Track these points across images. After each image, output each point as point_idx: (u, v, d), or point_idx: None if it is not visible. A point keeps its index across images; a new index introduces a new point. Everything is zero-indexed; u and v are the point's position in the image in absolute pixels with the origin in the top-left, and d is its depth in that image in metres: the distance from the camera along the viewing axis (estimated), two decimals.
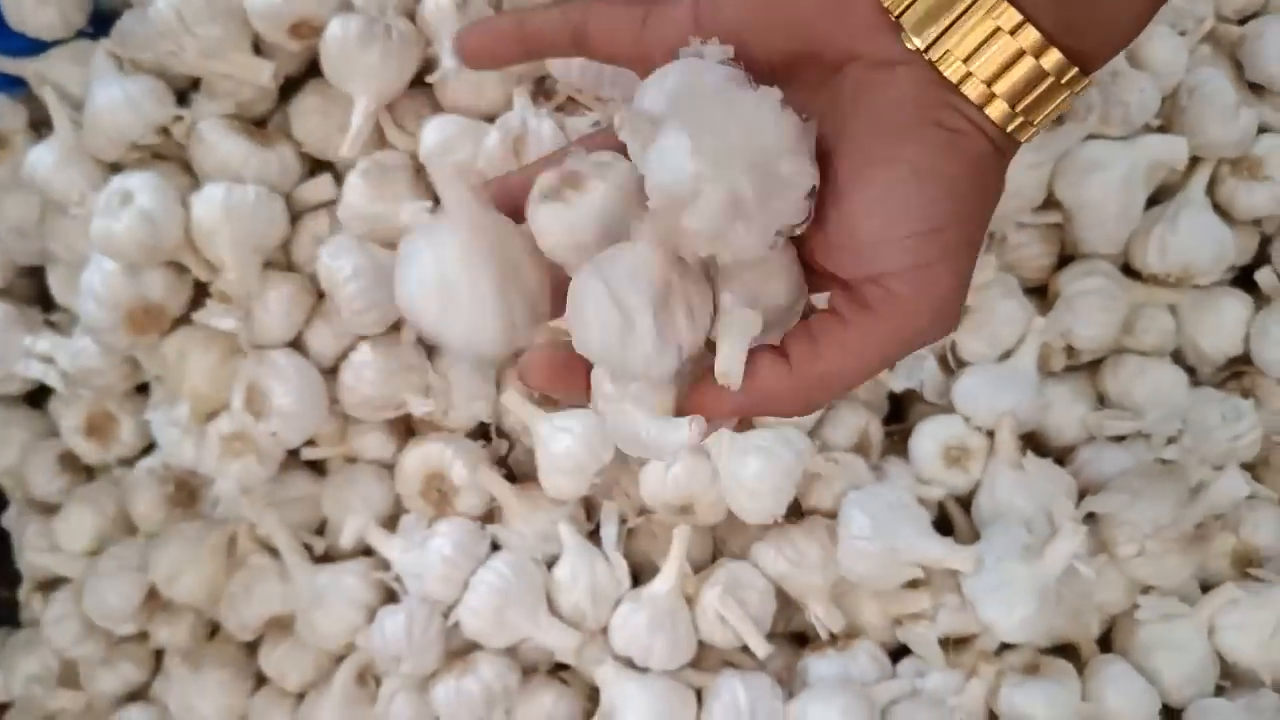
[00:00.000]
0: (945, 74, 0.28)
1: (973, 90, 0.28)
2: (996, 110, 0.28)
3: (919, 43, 0.28)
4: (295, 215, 0.61)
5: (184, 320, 0.61)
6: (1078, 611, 0.61)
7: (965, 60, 0.28)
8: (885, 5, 0.28)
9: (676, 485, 0.60)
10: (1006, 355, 0.62)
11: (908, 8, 0.28)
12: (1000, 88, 0.28)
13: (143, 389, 0.66)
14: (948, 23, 0.28)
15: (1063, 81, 0.28)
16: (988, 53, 0.27)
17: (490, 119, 0.58)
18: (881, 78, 0.29)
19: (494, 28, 0.34)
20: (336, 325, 0.60)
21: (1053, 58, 0.28)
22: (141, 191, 0.56)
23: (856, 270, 0.29)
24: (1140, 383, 0.62)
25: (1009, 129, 0.28)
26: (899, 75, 0.28)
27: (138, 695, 0.67)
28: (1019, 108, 0.28)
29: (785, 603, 0.62)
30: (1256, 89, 0.64)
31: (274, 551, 0.63)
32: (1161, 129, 0.62)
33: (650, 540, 0.64)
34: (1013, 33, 0.27)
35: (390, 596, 0.62)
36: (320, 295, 0.61)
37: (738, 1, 0.30)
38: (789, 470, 0.59)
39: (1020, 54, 0.27)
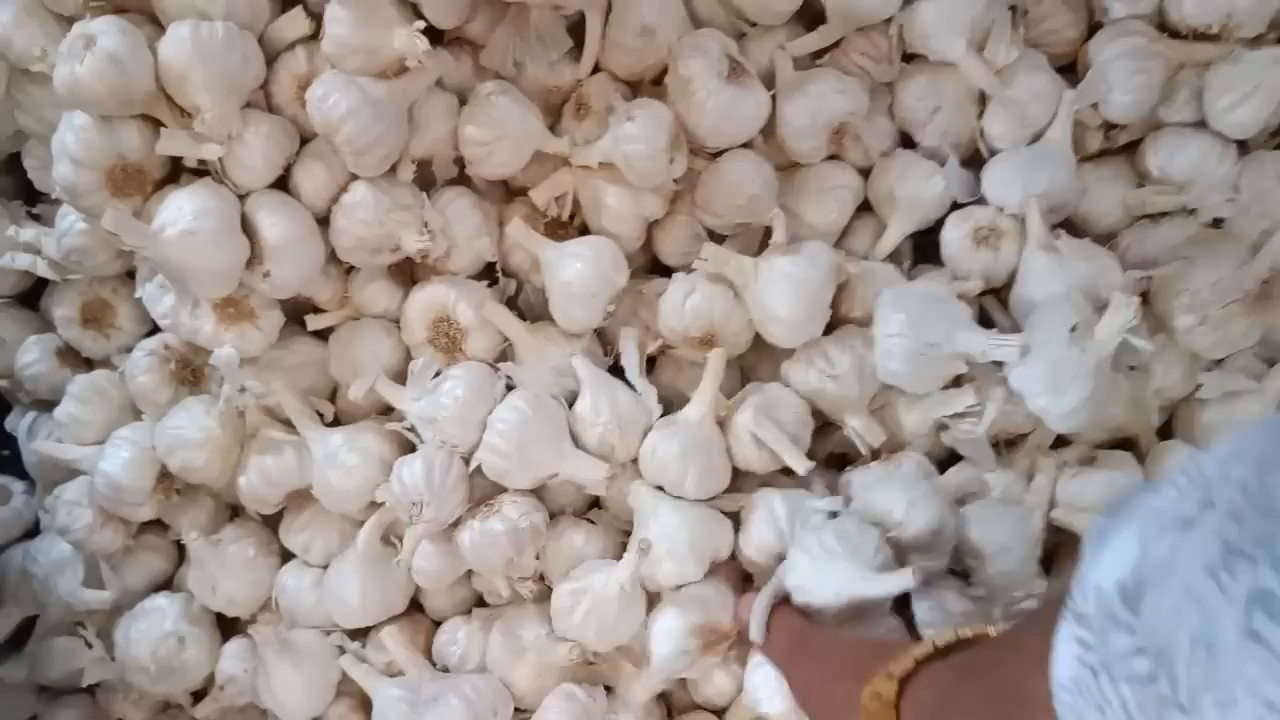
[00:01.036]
0: None
1: None
2: None
3: None
4: (270, 57, 0.58)
5: (165, 183, 0.58)
6: (1135, 403, 0.57)
7: None
8: None
9: (696, 315, 0.56)
10: (1038, 138, 0.58)
11: None
12: None
13: (135, 276, 0.64)
14: None
15: None
16: None
17: None
18: None
19: None
20: (329, 162, 0.56)
21: None
22: (104, 34, 0.53)
23: None
24: (1183, 155, 0.58)
25: None
26: None
27: (163, 587, 0.65)
28: None
29: (821, 429, 0.59)
30: None
31: (286, 423, 0.61)
32: None
33: (675, 373, 0.61)
34: None
35: (409, 451, 0.59)
36: (304, 140, 0.58)
37: None
38: (820, 288, 0.55)
39: None
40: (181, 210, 0.54)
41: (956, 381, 0.56)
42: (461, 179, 0.61)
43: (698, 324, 0.57)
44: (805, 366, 0.57)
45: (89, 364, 0.65)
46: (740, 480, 0.58)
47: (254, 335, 0.58)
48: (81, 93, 0.53)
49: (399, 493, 0.56)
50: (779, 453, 0.56)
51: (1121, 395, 0.56)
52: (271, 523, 0.63)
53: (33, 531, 0.69)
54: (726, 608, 0.54)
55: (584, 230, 0.61)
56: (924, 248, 0.62)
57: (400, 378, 0.60)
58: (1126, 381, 0.56)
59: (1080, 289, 0.54)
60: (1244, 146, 0.60)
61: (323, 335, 0.62)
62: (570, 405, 0.58)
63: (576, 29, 0.59)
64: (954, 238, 0.57)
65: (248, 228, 0.56)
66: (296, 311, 0.61)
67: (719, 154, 0.58)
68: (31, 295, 0.66)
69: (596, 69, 0.59)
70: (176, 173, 0.58)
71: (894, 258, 0.61)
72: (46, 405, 0.65)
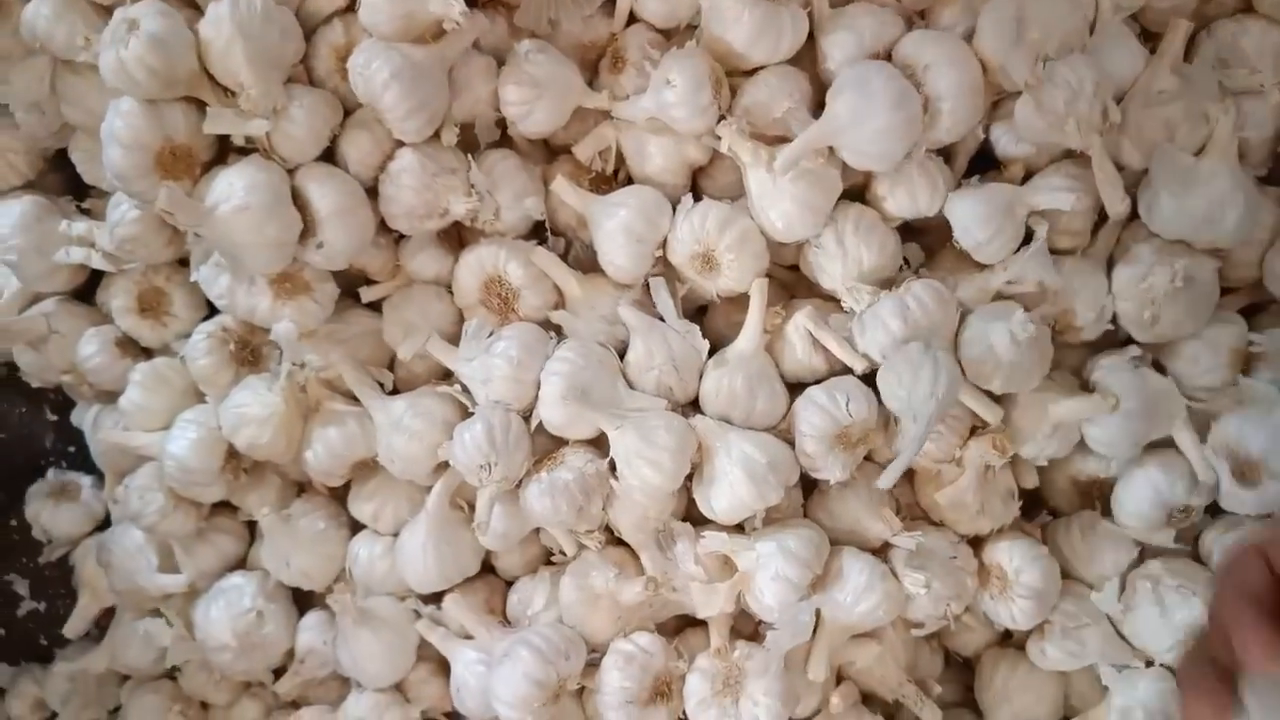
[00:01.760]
0: None
1: None
2: None
3: None
4: (309, 31, 0.58)
5: (213, 164, 0.59)
6: None
7: None
8: None
9: (692, 230, 0.56)
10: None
11: None
12: None
13: (187, 263, 0.64)
14: None
15: None
16: None
17: None
18: None
19: None
20: (374, 131, 0.57)
21: None
22: (147, 16, 0.54)
23: None
24: (1247, 39, 0.56)
25: None
26: None
27: (237, 569, 0.66)
28: None
29: None
30: None
31: (348, 395, 0.61)
32: None
33: (725, 324, 0.61)
34: None
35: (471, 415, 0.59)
36: (348, 112, 0.58)
37: None
38: (830, 188, 0.55)
39: None
40: (233, 186, 0.55)
41: None
42: (504, 141, 0.61)
43: (693, 238, 0.57)
44: None
45: (148, 353, 0.66)
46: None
47: (311, 308, 0.59)
48: (129, 76, 0.53)
49: (463, 458, 0.56)
50: (838, 352, 0.56)
51: None
52: (339, 495, 0.64)
53: (103, 525, 0.70)
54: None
55: (629, 183, 0.61)
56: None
57: (455, 341, 0.60)
58: None
59: None
60: None
61: (377, 307, 0.63)
62: (622, 355, 0.59)
63: None
64: None
65: (298, 201, 0.56)
66: (350, 285, 0.62)
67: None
68: (87, 290, 0.67)
69: (632, 20, 0.60)
70: (224, 153, 0.59)
71: None
72: (110, 397, 0.66)
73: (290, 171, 0.57)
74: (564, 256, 0.62)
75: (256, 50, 0.54)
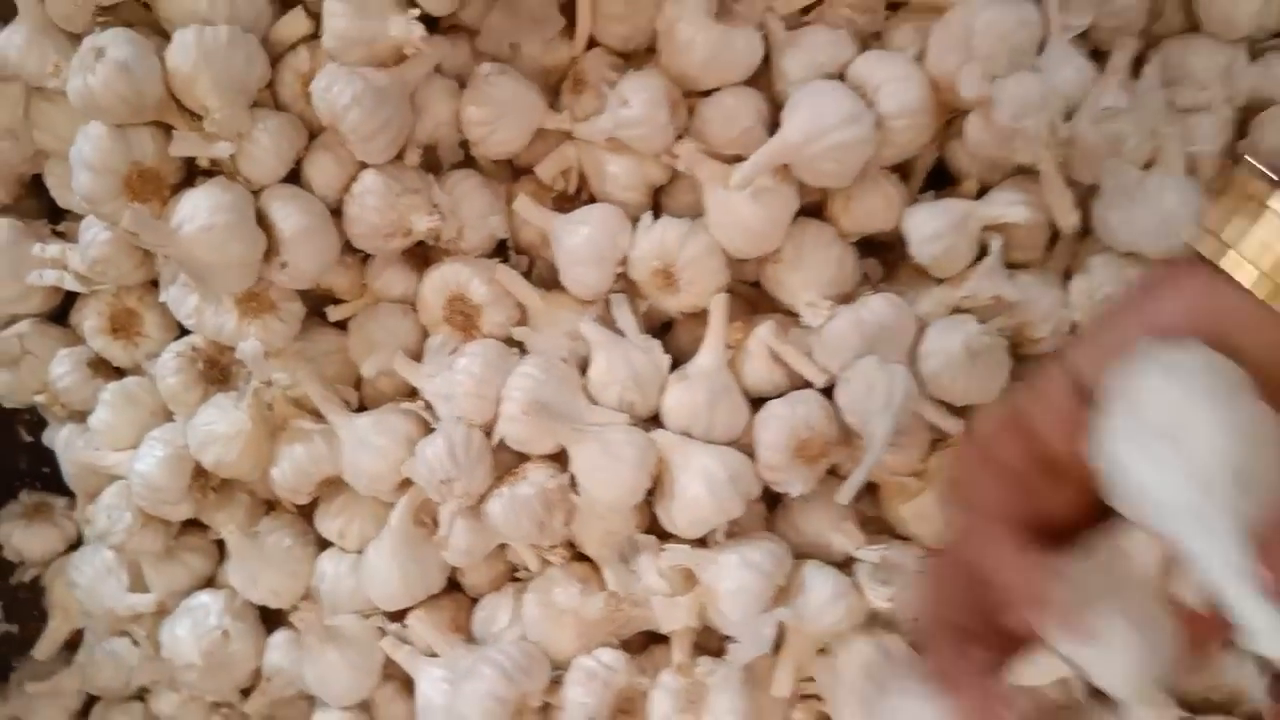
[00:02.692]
0: None
1: None
2: None
3: None
4: (275, 58, 0.59)
5: (181, 187, 0.60)
6: None
7: None
8: None
9: (650, 246, 0.57)
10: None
11: None
12: None
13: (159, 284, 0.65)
14: None
15: None
16: None
17: None
18: None
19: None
20: (337, 153, 0.58)
21: None
22: (113, 44, 0.55)
23: None
24: (1195, 57, 0.58)
25: None
26: None
27: (206, 588, 0.66)
28: None
29: None
30: None
31: (315, 414, 0.62)
32: None
33: (688, 339, 0.62)
34: None
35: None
36: (313, 135, 0.60)
37: None
38: (786, 205, 0.56)
39: None
40: (198, 207, 0.56)
41: None
42: (468, 162, 0.62)
43: (653, 254, 0.57)
44: None
45: (120, 373, 0.67)
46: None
47: (277, 326, 0.59)
48: (96, 102, 0.54)
49: (425, 473, 0.57)
50: (797, 367, 0.57)
51: None
52: (307, 512, 0.65)
53: (76, 545, 0.71)
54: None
55: (591, 201, 0.62)
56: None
57: (420, 359, 0.61)
58: None
59: None
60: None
61: (344, 325, 0.63)
62: (584, 371, 0.59)
63: (568, 8, 0.60)
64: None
65: (263, 222, 0.57)
66: (317, 304, 0.63)
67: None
68: (61, 311, 0.68)
69: (592, 44, 0.61)
70: (191, 176, 0.60)
71: None
72: (81, 417, 0.66)
73: (255, 193, 0.58)
74: (527, 274, 0.62)
75: (221, 76, 0.56)
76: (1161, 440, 0.24)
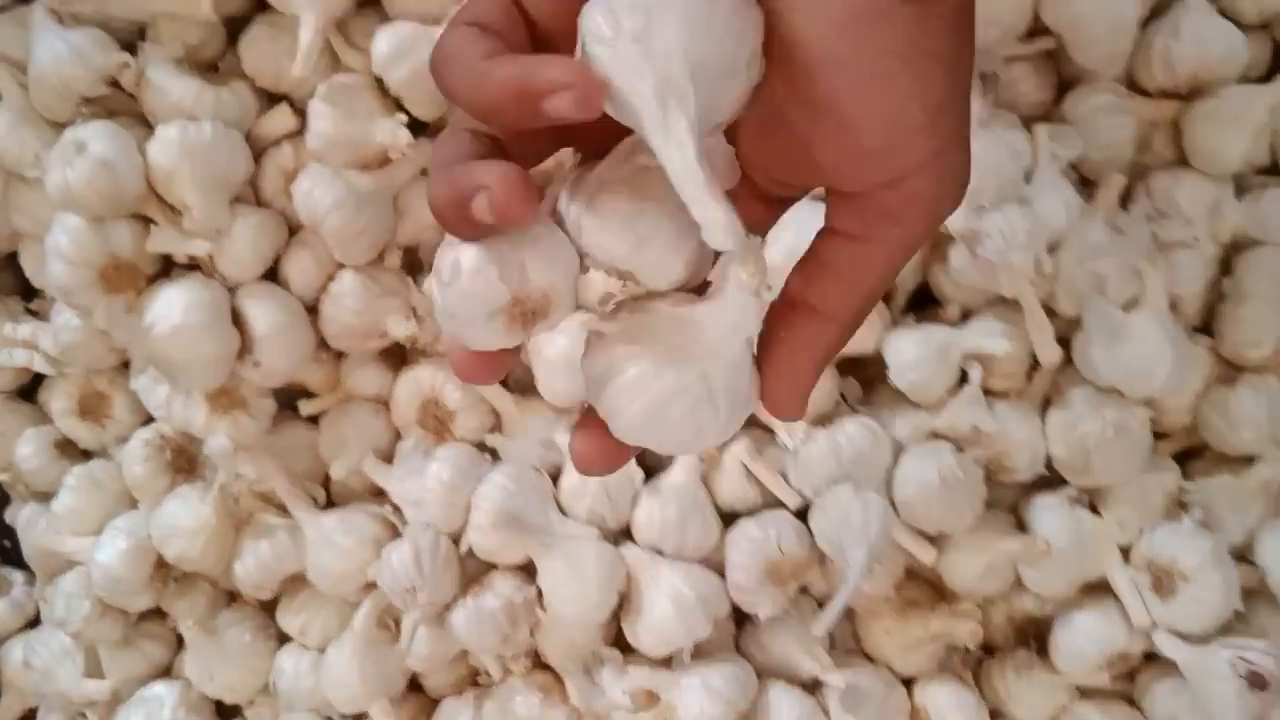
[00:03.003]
0: None
1: None
2: None
3: None
4: (258, 152, 0.59)
5: (157, 277, 0.59)
6: None
7: None
8: None
9: None
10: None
11: None
12: None
13: (129, 366, 0.64)
14: None
15: None
16: None
17: (439, 22, 0.56)
18: None
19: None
20: (316, 252, 0.57)
21: None
22: (95, 139, 0.54)
23: (867, 179, 0.26)
24: (1181, 191, 0.57)
25: None
26: None
27: (164, 675, 0.65)
28: None
29: None
30: None
31: (281, 508, 0.61)
32: None
33: None
34: None
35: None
36: (293, 231, 0.59)
37: None
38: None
39: None
40: (172, 305, 0.55)
41: None
42: None
43: None
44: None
45: (86, 455, 0.66)
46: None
47: (247, 423, 0.59)
48: (74, 198, 0.54)
49: (390, 580, 0.56)
50: (773, 488, 0.56)
51: None
52: (269, 605, 0.63)
53: (34, 622, 0.69)
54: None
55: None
56: None
57: (392, 459, 0.60)
58: None
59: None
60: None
61: (316, 419, 0.63)
62: (556, 479, 0.58)
63: None
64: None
65: (238, 319, 0.57)
66: (289, 396, 0.62)
67: None
68: (29, 388, 0.67)
69: None
70: (168, 266, 0.59)
71: None
72: (45, 497, 0.65)
73: (232, 289, 0.57)
74: (503, 378, 0.62)
75: (203, 174, 0.55)
76: (631, 39, 0.23)
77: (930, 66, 0.25)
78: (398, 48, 0.55)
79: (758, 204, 0.30)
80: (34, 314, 0.65)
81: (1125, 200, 0.59)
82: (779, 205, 0.31)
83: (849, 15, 0.25)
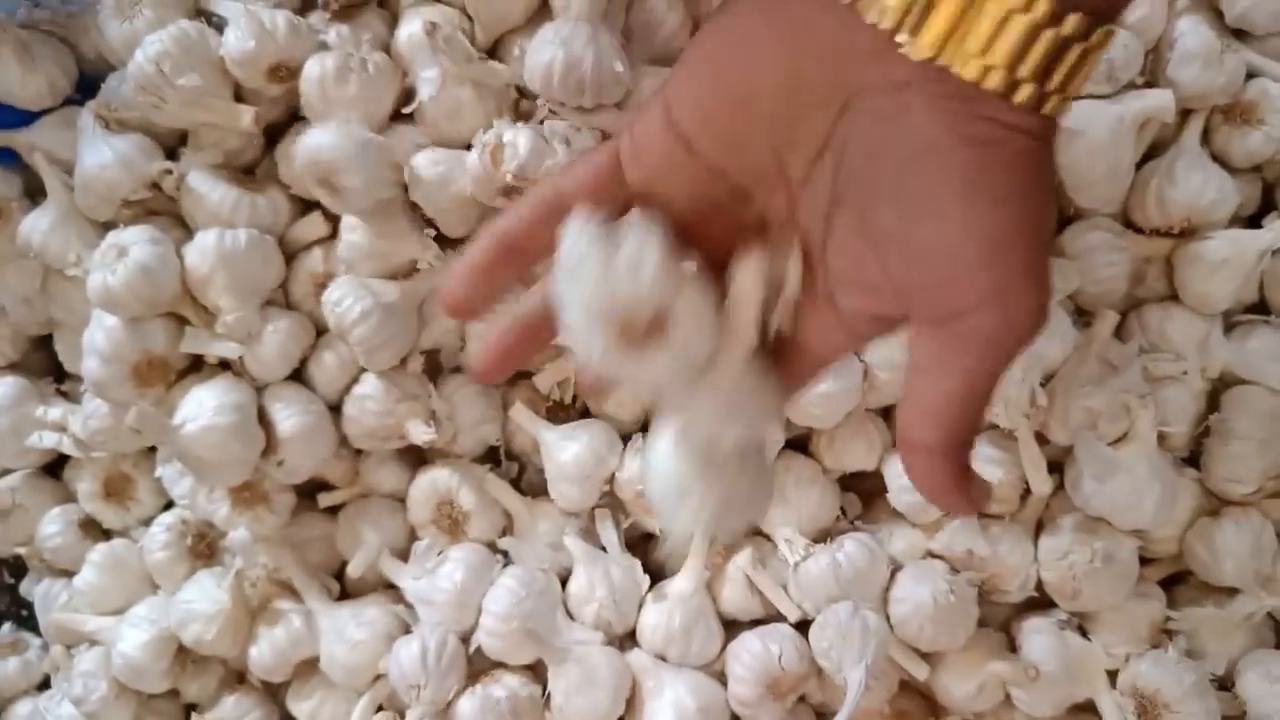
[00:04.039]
0: (962, 76, 0.26)
1: (995, 81, 0.26)
2: (1024, 95, 0.26)
3: (927, 52, 0.26)
4: (290, 256, 0.62)
5: (188, 372, 0.61)
6: None
7: (981, 55, 0.26)
8: (881, 25, 0.26)
9: (637, 470, 0.59)
10: None
11: (905, 18, 0.26)
12: (1024, 71, 0.26)
13: (155, 449, 0.67)
14: (953, 22, 0.26)
15: (1089, 42, 0.26)
16: (1004, 39, 0.25)
17: (469, 145, 0.58)
18: (891, 110, 0.27)
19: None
20: (341, 354, 0.60)
21: (1072, 22, 0.25)
22: (136, 244, 0.57)
23: (928, 312, 0.28)
24: (1172, 326, 0.60)
25: (1044, 111, 0.26)
26: (911, 101, 0.27)
27: None
28: (1049, 86, 0.26)
29: None
30: (1239, 34, 0.63)
31: (297, 595, 0.63)
32: (1147, 84, 0.61)
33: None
34: (1026, 9, 0.25)
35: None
36: (320, 333, 0.61)
37: (709, 91, 0.30)
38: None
39: (1037, 29, 0.25)
40: (202, 406, 0.57)
41: None
42: None
43: (639, 479, 0.59)
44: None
45: (108, 534, 0.68)
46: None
47: (267, 518, 0.61)
48: (114, 301, 0.56)
49: (398, 674, 0.58)
50: (774, 600, 0.58)
51: None
52: (276, 688, 0.65)
53: (44, 684, 0.71)
54: None
55: (585, 413, 0.63)
56: None
57: (405, 555, 0.62)
58: None
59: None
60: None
61: (334, 510, 0.65)
62: (565, 580, 0.60)
63: None
64: None
65: (263, 418, 0.59)
66: (309, 487, 0.64)
67: None
68: (55, 465, 0.69)
69: None
70: (199, 361, 0.61)
71: None
72: (65, 573, 0.67)
73: (259, 389, 0.60)
74: (517, 478, 0.64)
75: (237, 279, 0.58)
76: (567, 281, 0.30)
77: (989, 205, 0.26)
78: (438, 175, 0.57)
79: (843, 334, 0.32)
80: (64, 395, 0.68)
81: (1121, 328, 0.61)
82: (860, 339, 0.33)
83: (909, 153, 0.27)
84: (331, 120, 0.55)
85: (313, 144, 0.55)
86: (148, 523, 0.66)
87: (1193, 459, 0.61)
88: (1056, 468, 0.60)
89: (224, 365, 0.61)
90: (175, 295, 0.58)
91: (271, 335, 0.59)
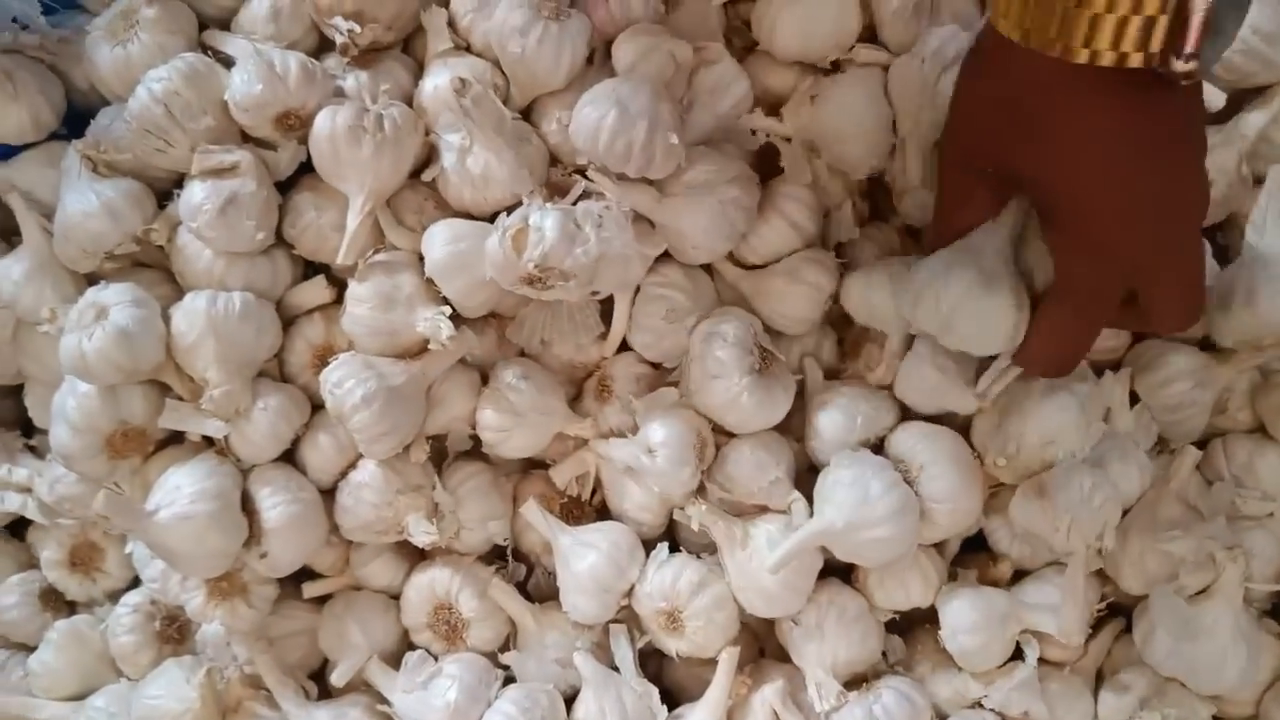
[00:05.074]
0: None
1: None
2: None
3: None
4: (288, 320, 0.56)
5: (166, 444, 0.55)
6: None
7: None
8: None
9: (660, 586, 0.53)
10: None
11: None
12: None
13: None
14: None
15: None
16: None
17: (492, 218, 0.52)
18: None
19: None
20: (338, 435, 0.54)
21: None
22: (117, 306, 0.51)
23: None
24: (1263, 462, 0.54)
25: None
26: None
27: None
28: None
29: None
30: None
31: (271, 693, 0.57)
32: None
33: (685, 672, 0.57)
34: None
35: None
36: (315, 408, 0.55)
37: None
38: (811, 569, 0.52)
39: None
40: (179, 491, 0.51)
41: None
42: (476, 448, 0.58)
43: (661, 594, 0.53)
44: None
45: (71, 606, 0.62)
46: None
47: (245, 612, 0.55)
48: (88, 370, 0.50)
49: None
50: None
51: None
52: None
53: None
54: None
55: (604, 510, 0.58)
56: None
57: (395, 659, 0.56)
58: None
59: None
60: None
61: (318, 600, 0.59)
62: (571, 700, 0.54)
63: (604, 306, 0.56)
64: None
65: (247, 503, 0.53)
66: (294, 575, 0.58)
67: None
68: (18, 524, 0.63)
69: (623, 345, 0.57)
70: (179, 434, 0.55)
71: None
72: (22, 648, 0.61)
73: (244, 470, 0.54)
74: (525, 580, 0.58)
75: (227, 349, 0.52)
76: None
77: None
78: (454, 256, 0.51)
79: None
80: (33, 449, 0.62)
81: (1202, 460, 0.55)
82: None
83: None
84: None
85: None
86: (115, 597, 0.60)
87: (1275, 610, 0.55)
88: (1122, 612, 0.54)
89: (208, 441, 0.54)
90: (157, 363, 0.52)
91: (261, 413, 0.53)
